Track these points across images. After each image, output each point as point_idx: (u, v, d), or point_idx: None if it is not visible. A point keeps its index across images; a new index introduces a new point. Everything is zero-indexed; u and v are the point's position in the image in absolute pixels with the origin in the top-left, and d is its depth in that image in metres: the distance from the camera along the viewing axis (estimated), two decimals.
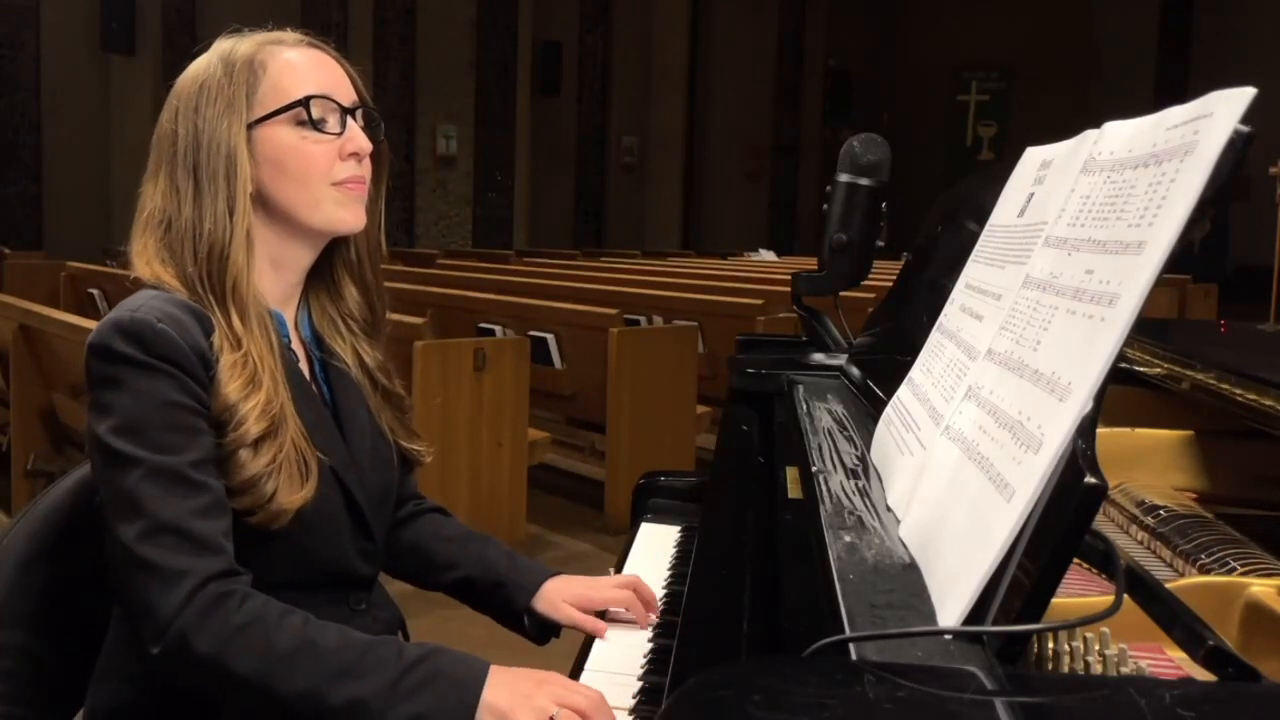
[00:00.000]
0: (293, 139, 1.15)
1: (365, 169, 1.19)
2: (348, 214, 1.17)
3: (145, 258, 1.14)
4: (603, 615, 1.27)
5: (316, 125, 1.15)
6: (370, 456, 1.23)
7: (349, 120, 1.17)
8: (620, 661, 1.19)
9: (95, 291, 6.09)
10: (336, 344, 1.26)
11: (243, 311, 1.11)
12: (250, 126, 1.14)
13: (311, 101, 1.15)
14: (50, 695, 1.26)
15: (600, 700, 1.03)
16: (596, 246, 13.27)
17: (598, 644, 1.24)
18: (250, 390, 1.08)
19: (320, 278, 1.26)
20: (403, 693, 1.00)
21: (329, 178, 1.16)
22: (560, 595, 1.28)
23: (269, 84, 1.15)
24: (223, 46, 1.18)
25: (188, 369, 1.06)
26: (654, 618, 1.28)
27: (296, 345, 1.23)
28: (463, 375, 3.74)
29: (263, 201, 1.15)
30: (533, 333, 4.47)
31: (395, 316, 1.34)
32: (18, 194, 10.06)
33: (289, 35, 1.21)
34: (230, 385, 1.07)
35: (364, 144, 1.18)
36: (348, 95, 1.19)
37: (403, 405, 1.31)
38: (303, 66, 1.17)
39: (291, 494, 1.09)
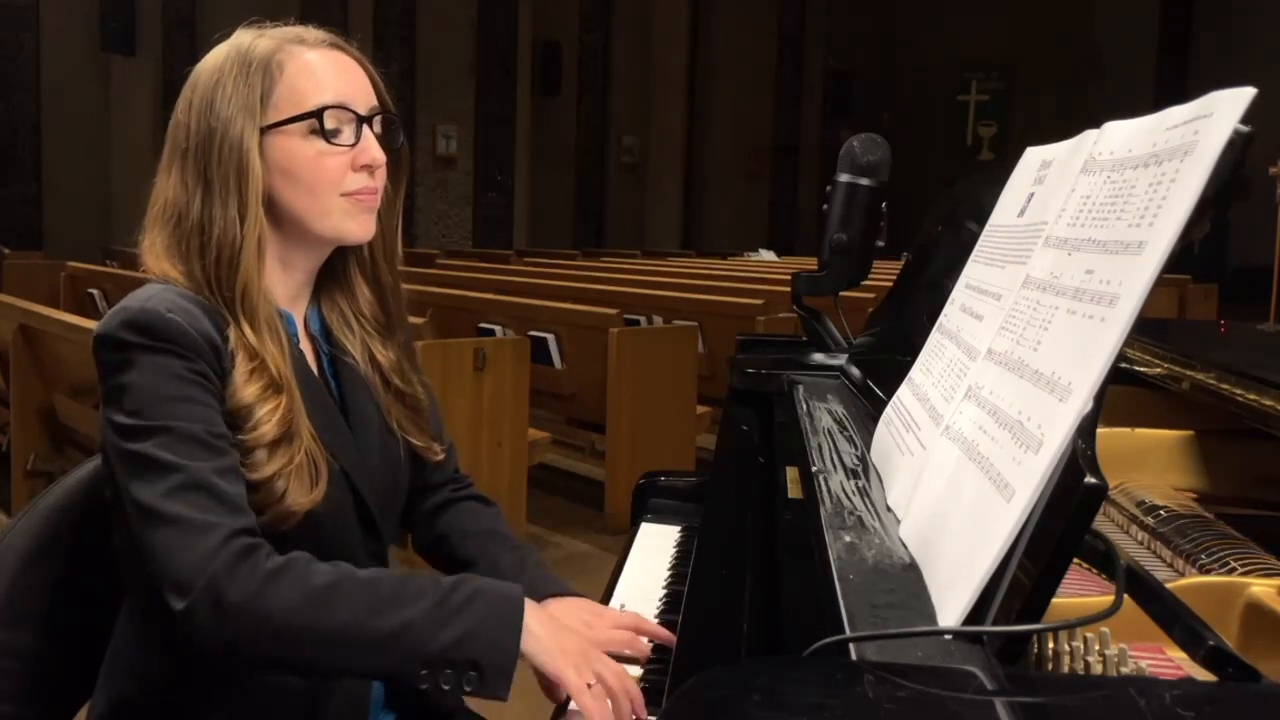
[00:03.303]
0: (305, 149, 1.12)
1: (378, 179, 1.17)
2: (355, 225, 1.15)
3: (155, 253, 1.13)
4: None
5: (329, 137, 1.12)
6: (379, 455, 1.22)
7: (364, 130, 1.15)
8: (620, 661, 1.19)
9: (95, 291, 6.10)
10: (346, 340, 1.24)
11: (252, 317, 1.10)
12: (263, 131, 1.11)
13: (326, 112, 1.12)
14: (52, 694, 1.26)
15: (627, 682, 1.04)
16: (596, 246, 13.27)
17: None
18: (268, 395, 1.08)
19: (333, 274, 1.24)
20: (449, 612, 1.00)
21: (339, 188, 1.13)
22: None
23: (285, 87, 1.12)
24: (242, 41, 1.15)
25: (197, 351, 1.05)
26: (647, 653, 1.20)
27: (305, 343, 1.22)
28: (463, 375, 3.74)
29: (271, 206, 1.13)
30: (533, 333, 4.47)
31: None
32: (18, 194, 10.07)
33: (311, 34, 1.17)
34: (248, 388, 1.07)
35: (377, 156, 1.15)
36: (366, 101, 1.16)
37: (418, 406, 1.28)
38: (321, 70, 1.14)
39: (301, 497, 1.08)
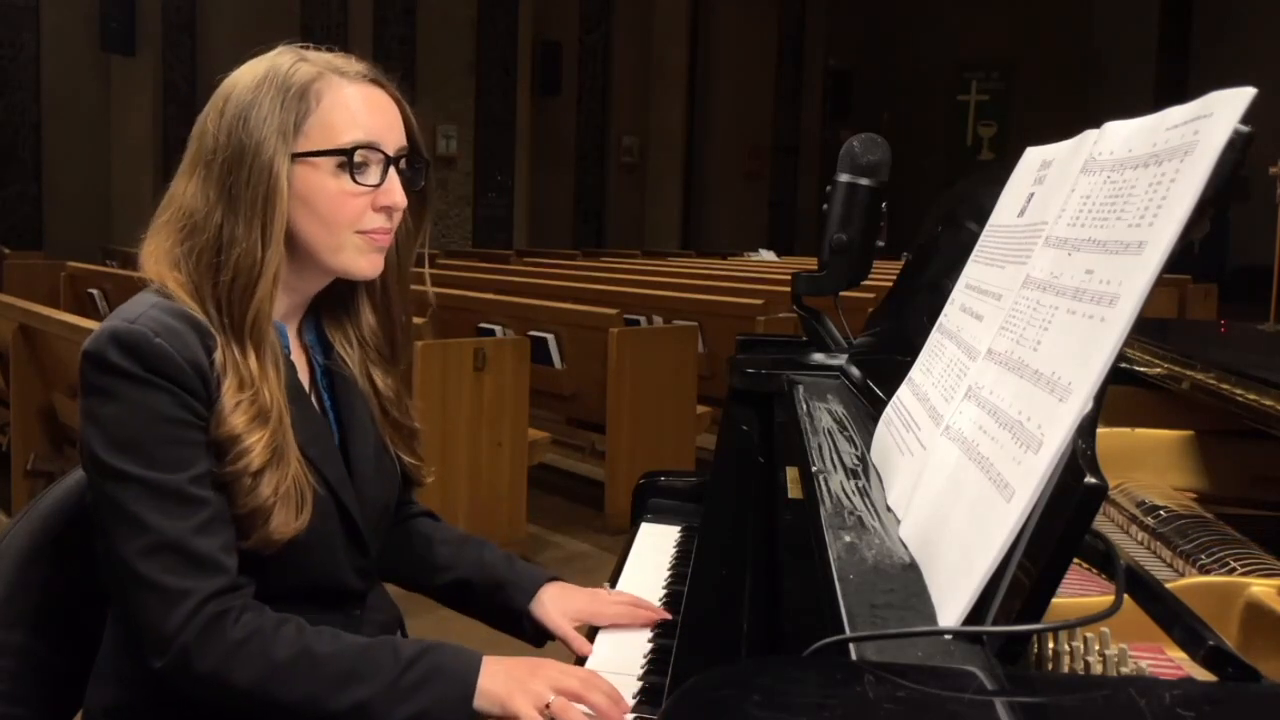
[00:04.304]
0: (329, 183, 1.11)
1: (395, 220, 1.16)
2: (365, 262, 1.15)
3: (156, 257, 1.12)
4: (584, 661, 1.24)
5: (355, 175, 1.11)
6: (373, 467, 1.22)
7: (390, 171, 1.14)
8: (620, 661, 1.19)
9: (95, 291, 6.09)
10: (344, 352, 1.24)
11: (259, 344, 1.09)
12: (292, 158, 1.10)
13: (356, 151, 1.11)
14: (50, 695, 1.26)
15: (592, 677, 1.07)
16: (596, 246, 13.27)
17: (598, 643, 1.23)
18: (256, 424, 1.06)
19: (339, 297, 1.24)
20: (402, 692, 1.03)
21: (356, 225, 1.13)
22: (559, 606, 1.28)
23: (319, 118, 1.11)
24: (282, 61, 1.13)
25: (185, 384, 1.04)
26: (665, 614, 1.27)
27: (297, 353, 1.21)
28: (463, 375, 3.74)
29: (285, 232, 1.12)
30: (533, 333, 4.47)
31: None
32: (18, 194, 10.06)
33: (352, 65, 1.15)
34: (237, 418, 1.05)
35: (399, 200, 1.14)
36: (396, 141, 1.15)
37: (413, 434, 1.29)
38: (357, 106, 1.12)
39: (286, 525, 1.08)
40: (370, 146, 1.12)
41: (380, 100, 1.16)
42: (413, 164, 1.18)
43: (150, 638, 1.02)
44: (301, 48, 1.17)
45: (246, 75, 1.13)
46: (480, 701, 1.04)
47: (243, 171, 1.09)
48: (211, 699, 1.04)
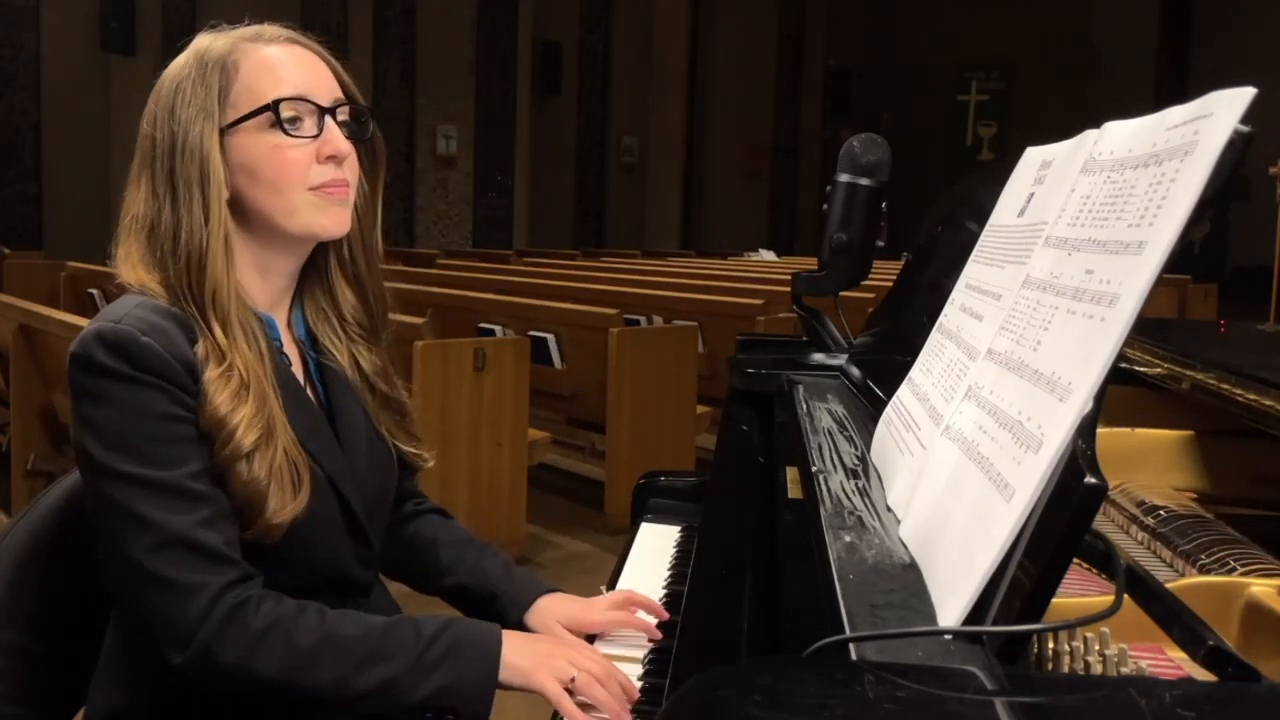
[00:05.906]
0: (265, 144, 1.10)
1: (348, 170, 1.14)
2: (326, 219, 1.13)
3: (130, 263, 1.11)
4: (593, 640, 1.24)
5: (288, 129, 1.10)
6: (367, 459, 1.21)
7: (327, 120, 1.12)
8: (620, 661, 1.19)
9: (95, 291, 6.09)
10: (331, 344, 1.22)
11: (224, 320, 1.08)
12: (223, 131, 1.10)
13: (283, 104, 1.10)
14: (49, 695, 1.26)
15: (609, 664, 1.08)
16: (596, 246, 13.27)
17: (598, 644, 1.23)
18: (238, 402, 1.06)
19: (315, 277, 1.22)
20: (428, 666, 1.04)
21: (305, 183, 1.11)
22: (553, 615, 1.26)
23: (241, 85, 1.10)
24: (199, 44, 1.13)
25: (175, 380, 1.04)
26: (656, 631, 1.24)
27: (289, 347, 1.20)
28: (463, 375, 3.74)
29: (240, 207, 1.12)
30: (533, 333, 4.47)
31: (395, 316, 1.31)
32: (18, 194, 10.07)
33: (268, 30, 1.15)
34: (218, 398, 1.05)
35: (342, 146, 1.12)
36: (328, 93, 1.14)
37: (404, 410, 1.28)
38: (278, 65, 1.12)
39: (283, 507, 1.07)
40: (297, 98, 1.11)
41: (302, 55, 1.15)
42: (356, 117, 1.17)
43: (169, 634, 1.02)
44: (217, 27, 1.16)
45: (170, 70, 1.14)
46: (505, 674, 1.06)
47: (177, 160, 1.09)
48: (237, 690, 1.04)
